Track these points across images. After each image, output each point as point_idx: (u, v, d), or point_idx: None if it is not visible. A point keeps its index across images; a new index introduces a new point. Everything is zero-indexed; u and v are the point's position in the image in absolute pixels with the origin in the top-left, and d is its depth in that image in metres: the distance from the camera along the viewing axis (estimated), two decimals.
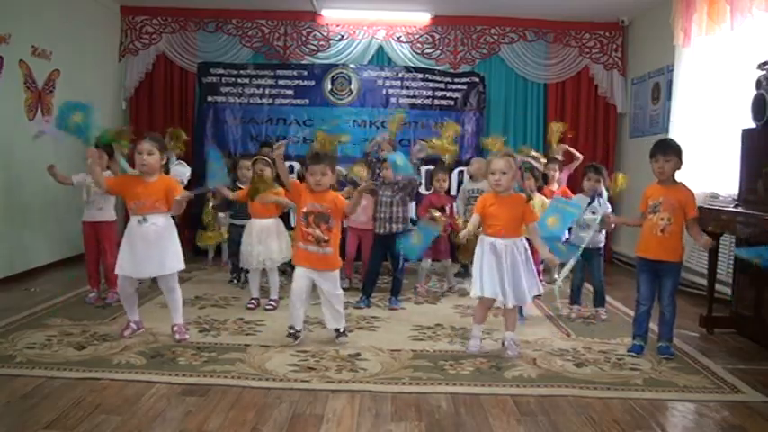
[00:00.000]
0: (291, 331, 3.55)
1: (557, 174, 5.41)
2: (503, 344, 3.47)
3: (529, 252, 3.39)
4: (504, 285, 3.29)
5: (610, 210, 4.26)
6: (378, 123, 6.55)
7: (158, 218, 3.42)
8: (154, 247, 3.40)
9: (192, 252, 6.22)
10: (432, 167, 5.80)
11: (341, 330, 3.60)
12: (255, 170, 4.30)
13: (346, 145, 6.42)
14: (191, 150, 6.31)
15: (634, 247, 3.61)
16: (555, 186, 5.27)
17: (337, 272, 3.57)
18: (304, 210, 3.46)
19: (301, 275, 3.49)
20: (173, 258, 3.48)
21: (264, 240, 4.23)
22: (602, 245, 4.26)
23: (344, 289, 4.92)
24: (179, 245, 3.55)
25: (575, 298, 4.37)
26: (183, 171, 5.31)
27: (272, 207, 4.21)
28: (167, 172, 4.80)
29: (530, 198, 3.46)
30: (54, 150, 5.48)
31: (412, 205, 5.04)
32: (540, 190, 4.84)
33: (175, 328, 3.56)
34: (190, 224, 6.03)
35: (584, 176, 4.26)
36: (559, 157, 5.84)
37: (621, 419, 2.64)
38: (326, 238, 3.44)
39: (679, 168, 3.42)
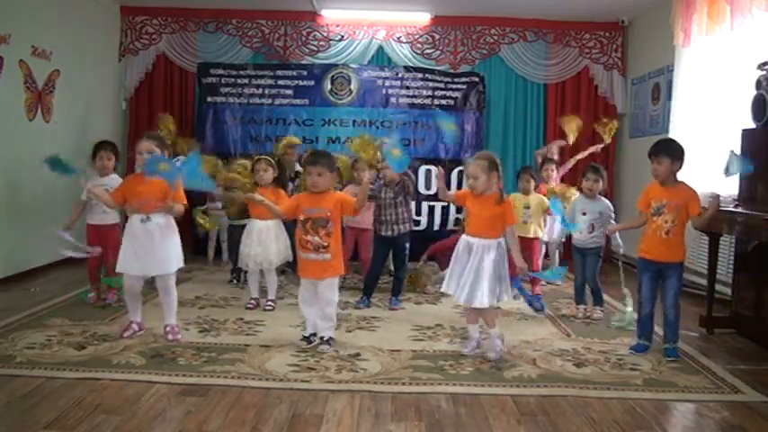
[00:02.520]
0: (305, 335, 3.53)
1: (554, 173, 5.46)
2: (490, 341, 3.46)
3: (504, 257, 3.34)
4: (457, 283, 3.29)
5: (612, 211, 4.26)
6: (378, 123, 6.56)
7: (161, 217, 3.42)
8: (157, 245, 3.40)
9: (192, 252, 6.22)
10: (432, 167, 5.83)
11: (325, 338, 3.47)
12: (256, 169, 4.29)
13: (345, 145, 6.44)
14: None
15: (633, 248, 3.61)
16: (553, 185, 5.30)
17: (337, 278, 3.50)
18: (301, 217, 3.41)
19: (304, 284, 3.50)
20: (174, 257, 3.49)
21: (264, 242, 4.22)
22: (597, 246, 4.25)
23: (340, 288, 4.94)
24: (180, 244, 3.56)
25: (578, 298, 4.37)
26: None
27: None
28: None
29: (501, 199, 3.39)
30: (54, 150, 5.50)
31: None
32: (535, 189, 4.85)
33: (168, 329, 3.55)
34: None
35: (584, 177, 4.28)
36: (555, 157, 5.89)
37: (621, 419, 2.64)
38: (325, 243, 3.36)
39: (677, 170, 3.40)
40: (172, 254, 3.47)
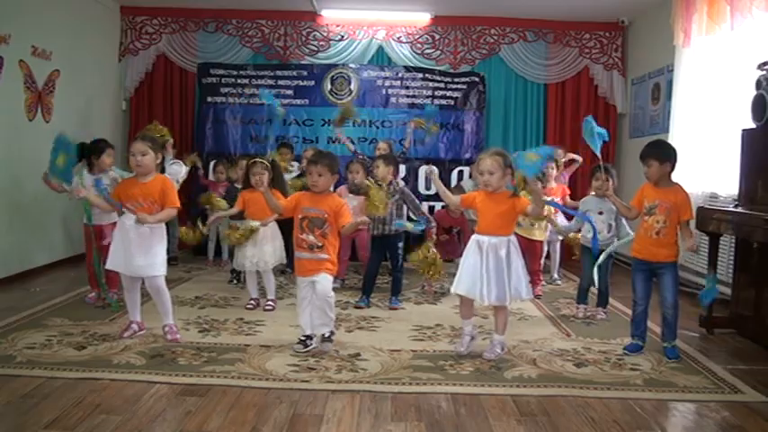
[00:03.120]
0: (302, 338, 3.45)
1: (554, 172, 5.44)
2: (491, 343, 3.45)
3: (518, 253, 3.34)
4: (482, 284, 3.24)
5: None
6: (377, 123, 6.57)
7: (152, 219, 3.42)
8: (145, 246, 3.41)
9: (192, 252, 6.23)
10: (430, 166, 5.81)
11: (326, 335, 3.44)
12: (253, 173, 4.25)
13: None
14: (190, 151, 6.31)
15: (630, 247, 3.61)
16: (553, 184, 5.29)
17: (329, 275, 3.44)
18: (299, 216, 3.39)
19: (300, 284, 3.46)
20: (160, 262, 3.48)
21: (259, 243, 4.21)
22: (610, 245, 4.23)
23: (335, 289, 4.92)
24: (165, 250, 3.56)
25: (581, 297, 4.36)
26: (177, 170, 5.28)
27: (267, 209, 4.16)
28: (163, 171, 4.78)
29: (515, 194, 3.39)
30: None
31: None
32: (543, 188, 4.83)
33: (166, 329, 3.55)
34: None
35: (593, 177, 4.23)
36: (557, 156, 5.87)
37: (621, 419, 2.64)
38: (320, 243, 3.33)
39: (668, 171, 3.40)
40: (158, 257, 3.47)
